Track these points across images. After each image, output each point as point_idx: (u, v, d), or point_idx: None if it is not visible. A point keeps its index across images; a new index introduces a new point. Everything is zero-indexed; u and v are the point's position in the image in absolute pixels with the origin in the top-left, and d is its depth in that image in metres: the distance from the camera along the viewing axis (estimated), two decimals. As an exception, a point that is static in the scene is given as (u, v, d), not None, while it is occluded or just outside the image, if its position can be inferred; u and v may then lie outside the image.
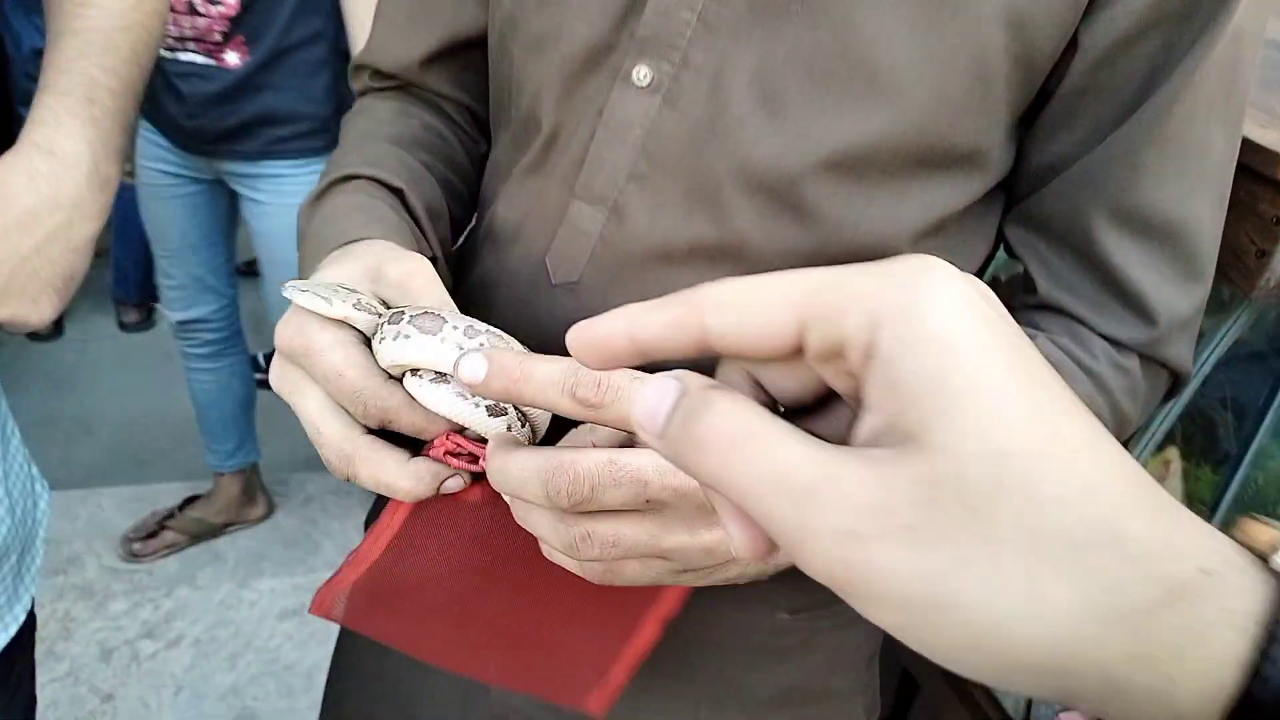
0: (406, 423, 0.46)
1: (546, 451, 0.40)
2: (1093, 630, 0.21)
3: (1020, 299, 0.62)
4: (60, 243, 0.60)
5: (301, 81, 1.74)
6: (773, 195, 0.53)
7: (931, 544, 0.21)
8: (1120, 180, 0.54)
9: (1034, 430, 0.22)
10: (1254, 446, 0.78)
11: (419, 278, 0.48)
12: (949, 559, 0.21)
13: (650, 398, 0.26)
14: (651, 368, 0.29)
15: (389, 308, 0.47)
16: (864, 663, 0.73)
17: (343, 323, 0.46)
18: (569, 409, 0.35)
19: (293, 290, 0.45)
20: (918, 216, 0.55)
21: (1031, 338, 0.56)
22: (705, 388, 0.26)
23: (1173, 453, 1.07)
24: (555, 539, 0.42)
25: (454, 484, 0.47)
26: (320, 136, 1.78)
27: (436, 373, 0.45)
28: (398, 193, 0.61)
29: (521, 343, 0.47)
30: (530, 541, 0.45)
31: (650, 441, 0.26)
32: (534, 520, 0.43)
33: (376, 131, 0.66)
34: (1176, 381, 0.62)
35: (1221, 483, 0.93)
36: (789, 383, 0.28)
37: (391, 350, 0.44)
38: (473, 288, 0.65)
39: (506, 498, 0.43)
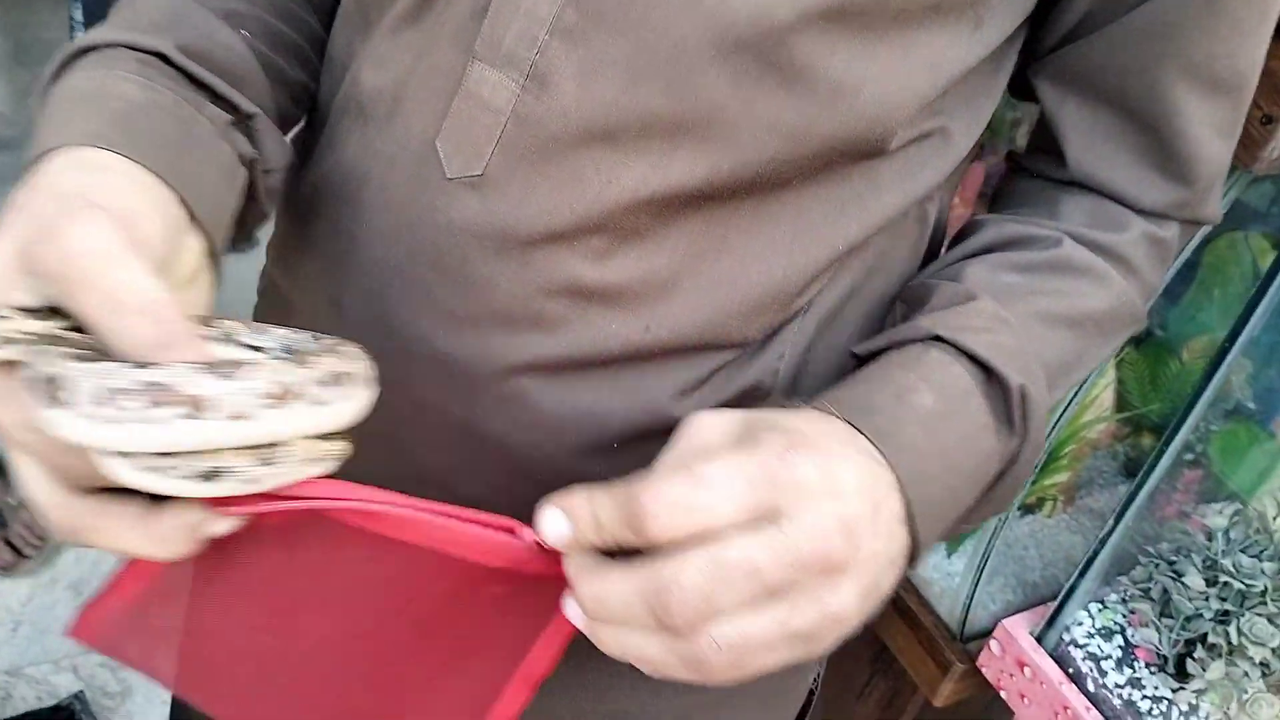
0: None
1: (639, 571, 0.34)
2: None
3: (1040, 169, 0.54)
4: None
5: None
6: (755, 55, 0.40)
7: None
8: (1197, 29, 0.46)
9: None
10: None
11: (81, 260, 0.33)
12: None
13: None
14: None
15: (57, 314, 0.34)
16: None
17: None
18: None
19: None
20: (925, 78, 0.44)
21: (1057, 242, 0.48)
22: None
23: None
24: (676, 662, 0.35)
25: (224, 526, 0.36)
26: None
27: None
28: (161, 57, 0.44)
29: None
30: (358, 577, 0.38)
31: None
32: (644, 650, 0.35)
33: None
34: (1200, 226, 0.57)
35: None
36: None
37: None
38: (327, 182, 0.50)
39: (585, 627, 0.37)
